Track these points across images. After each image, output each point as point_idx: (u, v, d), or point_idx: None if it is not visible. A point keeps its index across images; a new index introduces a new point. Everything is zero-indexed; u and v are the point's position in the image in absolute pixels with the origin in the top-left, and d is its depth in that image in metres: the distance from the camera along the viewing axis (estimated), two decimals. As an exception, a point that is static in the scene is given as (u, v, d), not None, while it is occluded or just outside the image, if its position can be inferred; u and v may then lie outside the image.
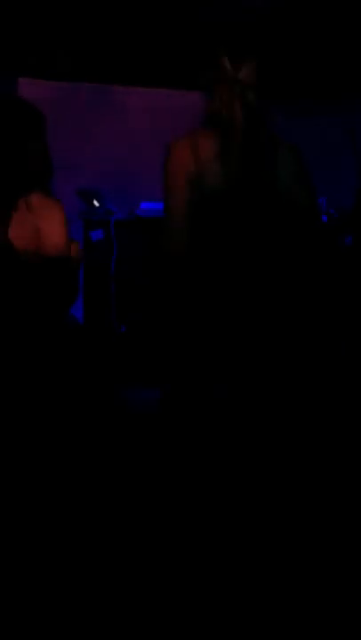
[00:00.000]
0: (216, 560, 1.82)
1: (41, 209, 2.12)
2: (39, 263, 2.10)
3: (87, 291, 4.54)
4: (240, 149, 1.86)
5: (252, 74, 1.90)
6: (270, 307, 1.88)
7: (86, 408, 2.27)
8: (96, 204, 4.72)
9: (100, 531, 2.12)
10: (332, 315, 2.39)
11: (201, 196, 1.86)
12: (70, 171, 4.71)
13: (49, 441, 2.08)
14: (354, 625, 1.76)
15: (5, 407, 2.06)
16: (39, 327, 2.12)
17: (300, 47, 5.07)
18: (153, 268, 2.01)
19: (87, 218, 4.70)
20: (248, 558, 1.83)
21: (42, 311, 2.13)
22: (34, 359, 2.10)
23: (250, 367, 1.85)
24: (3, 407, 2.05)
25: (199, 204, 1.87)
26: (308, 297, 1.97)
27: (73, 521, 2.08)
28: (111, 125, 5.29)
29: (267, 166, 1.87)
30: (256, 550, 1.83)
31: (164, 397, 1.96)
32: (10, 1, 4.48)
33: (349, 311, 2.62)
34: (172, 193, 1.90)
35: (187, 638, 1.76)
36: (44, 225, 2.11)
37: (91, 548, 2.05)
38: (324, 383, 2.09)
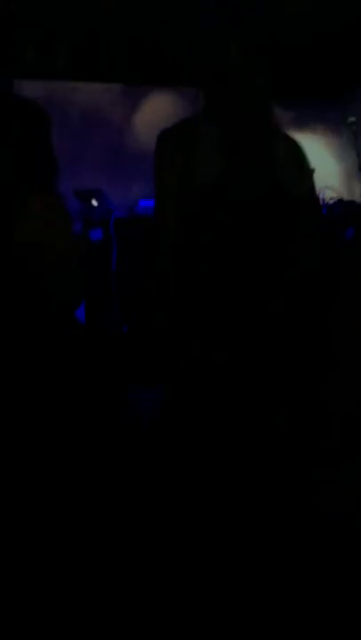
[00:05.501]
0: (215, 559, 1.82)
1: (44, 209, 2.11)
2: (43, 264, 2.10)
3: (88, 290, 4.53)
4: (244, 141, 1.78)
5: (260, 62, 1.81)
6: (272, 304, 1.84)
7: (87, 408, 2.26)
8: (95, 203, 4.71)
9: (101, 529, 2.12)
10: (331, 310, 2.37)
11: (193, 190, 1.78)
12: (70, 170, 4.71)
13: (49, 440, 2.08)
14: (354, 625, 1.76)
15: (6, 407, 2.06)
16: (43, 330, 2.11)
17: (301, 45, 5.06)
18: (148, 267, 1.93)
19: (87, 217, 4.70)
20: (248, 558, 1.83)
21: (46, 314, 2.12)
22: (35, 360, 2.10)
23: (251, 365, 1.84)
24: (4, 407, 2.06)
25: (192, 198, 1.78)
26: (310, 291, 1.93)
27: (74, 519, 2.08)
28: (110, 124, 5.29)
29: (268, 159, 1.80)
30: (256, 550, 1.83)
31: (165, 398, 1.95)
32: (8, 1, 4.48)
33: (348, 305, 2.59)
34: (162, 186, 1.83)
35: (186, 638, 1.76)
36: (48, 225, 2.10)
37: (91, 548, 2.06)
38: (324, 377, 2.08)
